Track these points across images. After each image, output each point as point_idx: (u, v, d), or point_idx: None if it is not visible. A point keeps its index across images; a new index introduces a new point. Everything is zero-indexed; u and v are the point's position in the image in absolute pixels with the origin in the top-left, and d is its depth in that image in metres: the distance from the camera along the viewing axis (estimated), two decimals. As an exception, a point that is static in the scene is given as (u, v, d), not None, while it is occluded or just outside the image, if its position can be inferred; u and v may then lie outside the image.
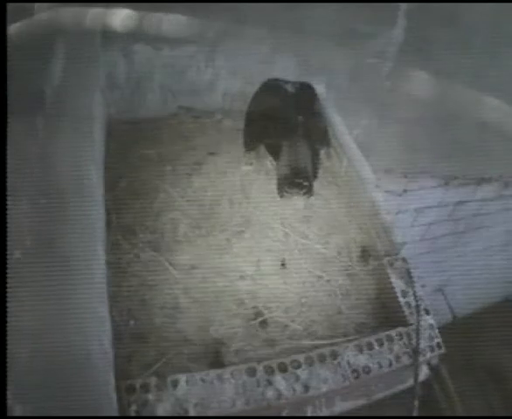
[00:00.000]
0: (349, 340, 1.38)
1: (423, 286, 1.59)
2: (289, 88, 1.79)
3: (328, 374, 1.29)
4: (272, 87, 1.79)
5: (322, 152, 1.80)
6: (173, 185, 1.72)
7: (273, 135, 1.71)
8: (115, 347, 1.17)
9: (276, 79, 1.83)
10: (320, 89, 1.97)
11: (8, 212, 1.03)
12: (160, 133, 1.95)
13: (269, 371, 1.25)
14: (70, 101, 1.45)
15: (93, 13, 1.68)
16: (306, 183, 1.59)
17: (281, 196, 1.63)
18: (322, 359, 1.31)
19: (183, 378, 1.19)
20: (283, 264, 1.58)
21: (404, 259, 1.61)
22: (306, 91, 1.82)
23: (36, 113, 1.33)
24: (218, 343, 1.34)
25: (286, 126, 1.67)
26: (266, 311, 1.44)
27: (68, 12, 1.64)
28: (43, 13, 1.61)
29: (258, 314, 1.44)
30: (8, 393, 0.87)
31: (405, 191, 2.50)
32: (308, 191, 1.62)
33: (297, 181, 1.59)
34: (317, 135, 1.74)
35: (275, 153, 1.75)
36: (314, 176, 1.68)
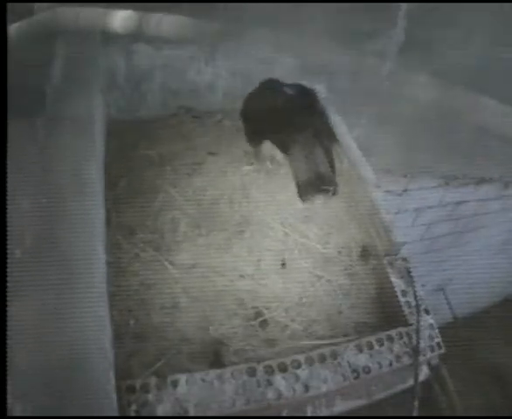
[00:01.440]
0: (350, 340, 1.38)
1: (423, 286, 1.58)
2: (288, 90, 1.78)
3: (328, 374, 1.29)
4: (270, 88, 1.79)
5: (333, 149, 1.81)
6: (173, 185, 1.72)
7: (281, 131, 1.71)
8: (115, 347, 1.17)
9: (272, 81, 1.81)
10: (320, 89, 1.97)
11: (8, 212, 1.04)
12: (160, 133, 1.95)
13: (269, 371, 1.25)
14: (70, 101, 1.46)
15: (93, 13, 1.68)
16: (331, 188, 1.62)
17: (305, 201, 1.64)
18: (322, 359, 1.31)
19: (183, 378, 1.19)
20: (283, 264, 1.58)
21: (404, 259, 1.61)
22: (305, 93, 1.82)
23: (36, 113, 1.34)
24: (218, 343, 1.34)
25: (294, 123, 1.68)
26: (266, 310, 1.44)
27: (68, 12, 1.64)
28: (43, 13, 1.62)
29: (258, 314, 1.43)
30: (8, 393, 0.87)
31: (405, 191, 2.50)
32: (334, 194, 1.65)
33: (323, 187, 1.62)
34: (326, 133, 1.75)
35: (285, 147, 1.74)
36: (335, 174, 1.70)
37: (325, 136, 1.74)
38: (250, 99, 1.80)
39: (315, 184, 1.62)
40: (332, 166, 1.70)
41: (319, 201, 1.66)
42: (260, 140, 1.81)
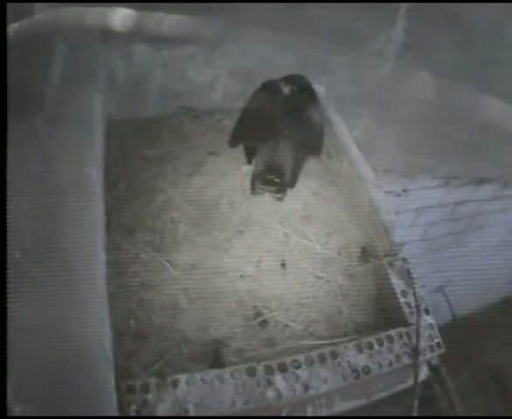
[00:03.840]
0: (349, 340, 1.38)
1: (423, 286, 1.58)
2: (286, 90, 1.73)
3: (328, 374, 1.29)
4: (269, 88, 1.76)
5: (307, 159, 1.73)
6: (173, 185, 1.72)
7: (253, 137, 1.66)
8: (115, 347, 1.17)
9: (302, 74, 1.74)
10: (320, 89, 1.97)
11: (8, 212, 1.04)
12: (160, 133, 1.95)
13: (269, 371, 1.25)
14: (70, 101, 1.46)
15: (93, 13, 1.68)
16: (277, 180, 1.53)
17: (253, 194, 1.59)
18: (322, 359, 1.31)
19: (183, 378, 1.19)
20: (283, 264, 1.58)
21: (404, 259, 1.61)
22: (302, 94, 1.71)
23: (36, 113, 1.34)
24: (218, 343, 1.34)
25: (269, 128, 1.61)
26: (266, 311, 1.45)
27: (68, 12, 1.64)
28: (43, 13, 1.61)
29: (258, 314, 1.44)
30: (8, 393, 0.87)
31: (405, 191, 2.50)
32: (280, 190, 1.56)
33: (268, 177, 1.53)
34: (303, 142, 1.65)
35: (250, 155, 1.71)
36: (292, 181, 1.63)
37: (301, 145, 1.64)
38: (249, 100, 1.79)
39: (262, 174, 1.55)
40: (295, 173, 1.63)
41: (268, 194, 1.58)
42: (236, 144, 1.78)
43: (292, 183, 1.63)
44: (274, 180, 1.53)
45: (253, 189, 1.59)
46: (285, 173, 1.57)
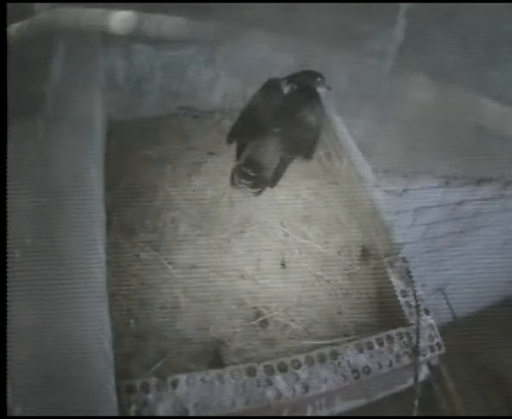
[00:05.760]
0: (350, 340, 1.38)
1: (423, 286, 1.58)
2: (286, 90, 1.67)
3: (329, 374, 1.29)
4: (269, 86, 1.74)
5: (294, 160, 1.66)
6: (173, 185, 1.73)
7: (244, 134, 1.64)
8: (115, 347, 1.17)
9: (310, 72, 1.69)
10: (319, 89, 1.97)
11: (8, 212, 1.04)
12: (160, 133, 1.95)
13: (269, 371, 1.25)
14: (70, 101, 1.46)
15: (94, 14, 1.68)
16: (253, 174, 1.50)
17: (232, 187, 1.56)
18: (323, 359, 1.31)
19: (183, 378, 1.19)
20: (283, 264, 1.58)
21: (404, 259, 1.61)
22: (301, 95, 1.66)
23: (36, 113, 1.34)
24: (218, 343, 1.34)
25: (259, 125, 1.59)
26: (266, 310, 1.45)
27: (68, 13, 1.64)
28: (43, 13, 1.62)
29: (258, 314, 1.44)
30: (8, 393, 0.87)
31: (405, 191, 2.50)
32: (256, 185, 1.53)
33: (244, 170, 1.51)
34: (292, 143, 1.60)
35: (239, 152, 1.67)
36: (273, 179, 1.59)
37: (289, 146, 1.59)
38: (251, 97, 1.78)
39: (240, 168, 1.53)
40: (278, 172, 1.59)
41: (248, 189, 1.54)
42: (231, 141, 1.76)
43: (272, 182, 1.59)
44: (250, 174, 1.51)
45: (233, 183, 1.56)
46: (263, 168, 1.53)
